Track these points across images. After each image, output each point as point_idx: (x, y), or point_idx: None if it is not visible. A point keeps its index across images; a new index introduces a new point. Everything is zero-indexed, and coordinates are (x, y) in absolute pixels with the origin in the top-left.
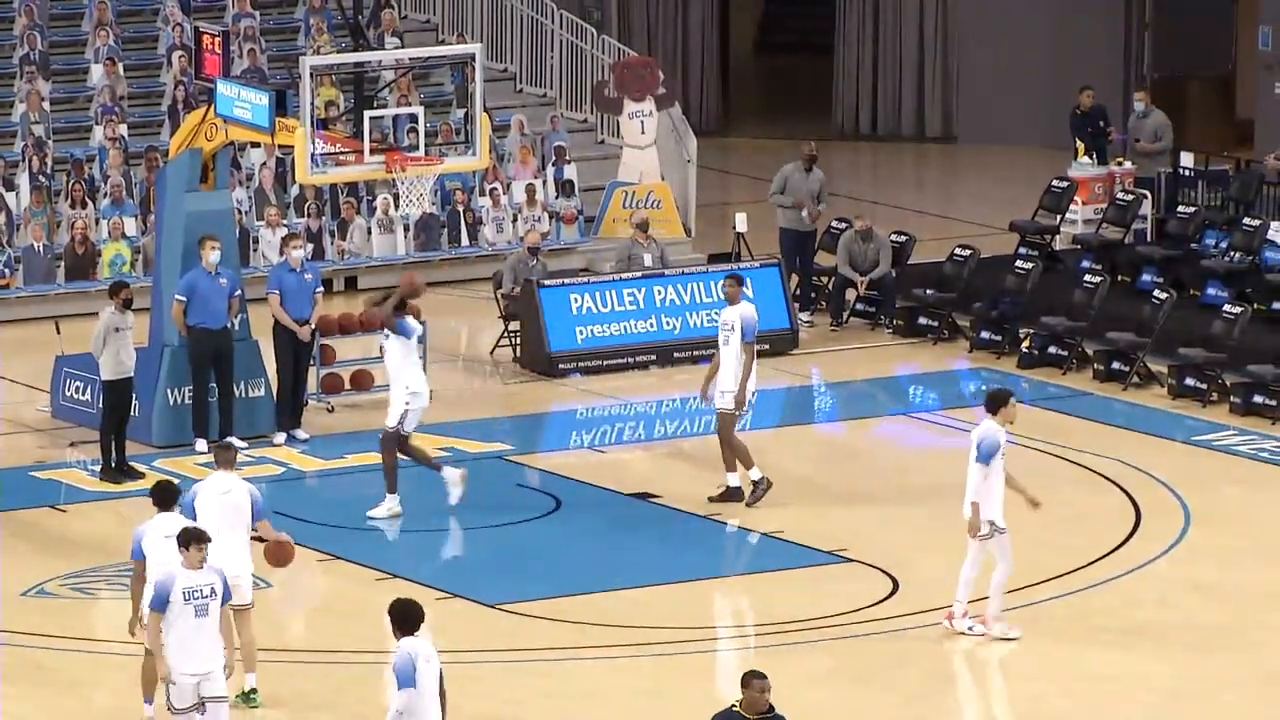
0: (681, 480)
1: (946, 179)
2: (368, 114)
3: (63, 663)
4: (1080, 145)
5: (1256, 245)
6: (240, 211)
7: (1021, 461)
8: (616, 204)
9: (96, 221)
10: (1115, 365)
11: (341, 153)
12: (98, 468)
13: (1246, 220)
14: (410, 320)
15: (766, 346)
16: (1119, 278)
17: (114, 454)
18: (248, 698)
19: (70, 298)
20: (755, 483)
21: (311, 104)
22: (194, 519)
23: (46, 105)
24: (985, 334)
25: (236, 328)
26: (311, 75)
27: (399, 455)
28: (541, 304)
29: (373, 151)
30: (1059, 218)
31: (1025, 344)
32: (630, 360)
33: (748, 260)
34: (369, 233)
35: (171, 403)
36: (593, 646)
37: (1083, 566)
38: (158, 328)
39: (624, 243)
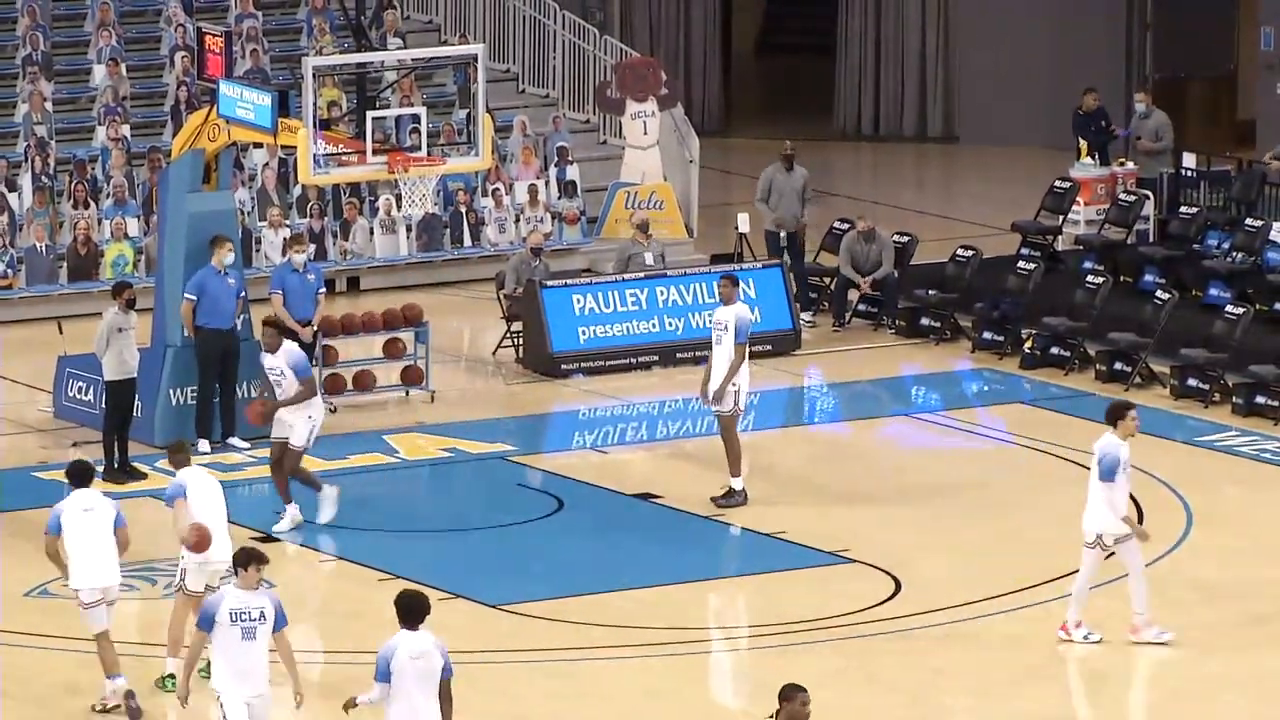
0: (684, 481)
1: (948, 179)
2: (370, 114)
3: (64, 663)
4: (1083, 145)
5: (1258, 246)
6: (243, 212)
7: (1023, 462)
8: (619, 204)
9: (99, 222)
10: (1117, 366)
11: (344, 153)
12: (100, 468)
13: (1248, 221)
14: (300, 357)
15: (769, 347)
16: (1121, 278)
17: (116, 454)
18: (164, 683)
19: (73, 298)
20: (733, 490)
21: (314, 104)
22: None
23: (49, 106)
24: (987, 334)
25: (239, 328)
26: (314, 76)
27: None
28: (544, 304)
29: (375, 152)
30: (1061, 218)
31: (1027, 344)
32: (633, 361)
33: (750, 261)
34: (371, 233)
35: (174, 403)
36: (595, 647)
37: None
38: (160, 328)
39: (623, 243)
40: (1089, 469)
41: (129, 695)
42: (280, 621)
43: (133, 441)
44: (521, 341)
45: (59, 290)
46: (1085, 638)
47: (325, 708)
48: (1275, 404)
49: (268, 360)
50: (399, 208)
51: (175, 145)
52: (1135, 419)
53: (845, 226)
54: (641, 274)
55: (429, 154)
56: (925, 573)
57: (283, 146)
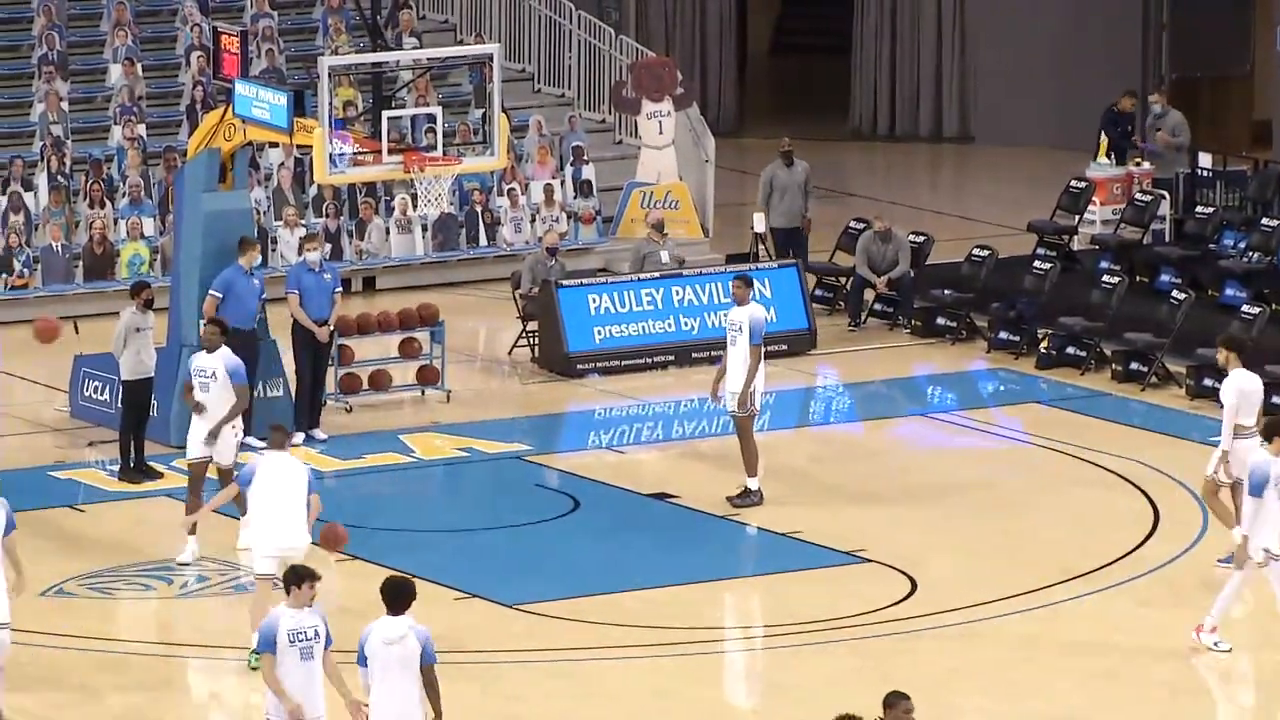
0: (699, 480)
1: (963, 179)
2: (386, 114)
3: (80, 663)
4: (1105, 141)
5: (1274, 245)
6: (258, 211)
7: (1038, 462)
8: (634, 204)
9: (115, 221)
10: (1133, 365)
11: (359, 153)
12: (116, 468)
13: (1265, 220)
14: (237, 363)
15: (784, 347)
16: (1137, 278)
17: (133, 454)
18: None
19: (88, 297)
20: (749, 490)
21: (329, 104)
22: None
23: (65, 105)
24: (1003, 334)
25: (256, 328)
26: (330, 75)
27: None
28: (559, 304)
29: (391, 151)
30: (1077, 218)
31: (1043, 344)
32: (648, 360)
33: (765, 260)
34: (387, 233)
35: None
36: (611, 646)
37: (1101, 567)
38: (176, 328)
39: (639, 242)
40: (1106, 469)
41: None
42: (327, 640)
43: (148, 441)
44: (537, 341)
45: (75, 290)
46: (1215, 644)
47: (343, 708)
48: None
49: (200, 360)
50: (414, 207)
51: (191, 145)
52: None
53: (861, 226)
54: (657, 274)
55: (444, 154)
56: (939, 572)
57: (298, 146)
